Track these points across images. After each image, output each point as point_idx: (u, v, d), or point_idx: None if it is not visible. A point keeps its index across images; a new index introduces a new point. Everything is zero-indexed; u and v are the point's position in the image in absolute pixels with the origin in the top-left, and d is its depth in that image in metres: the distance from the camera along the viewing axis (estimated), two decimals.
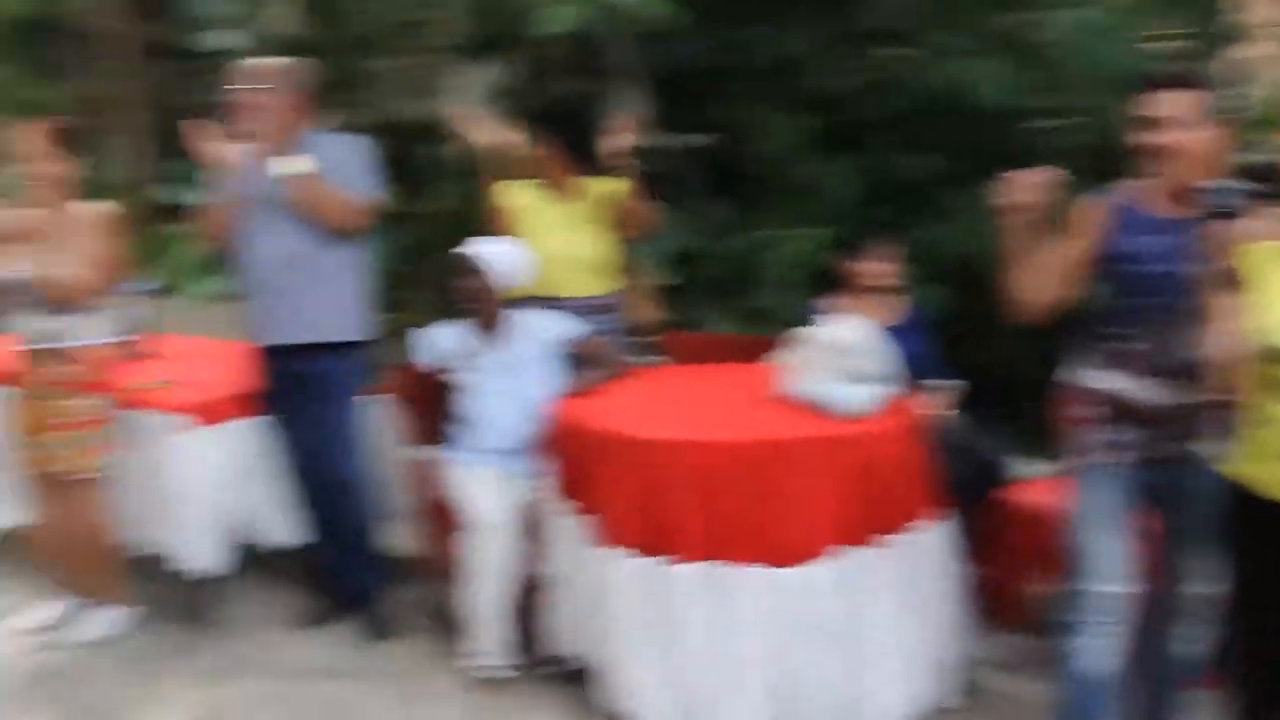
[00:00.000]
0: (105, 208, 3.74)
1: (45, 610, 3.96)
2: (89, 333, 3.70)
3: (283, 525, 4.01)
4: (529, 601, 3.44)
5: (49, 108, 9.15)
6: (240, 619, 3.98)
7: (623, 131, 3.89)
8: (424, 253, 6.15)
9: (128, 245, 3.84)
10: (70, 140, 3.73)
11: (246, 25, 8.25)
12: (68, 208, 3.70)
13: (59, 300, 3.62)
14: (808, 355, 3.33)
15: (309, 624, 3.93)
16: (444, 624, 3.74)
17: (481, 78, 6.95)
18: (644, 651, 3.04)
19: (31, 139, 3.66)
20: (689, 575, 2.96)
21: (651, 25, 5.27)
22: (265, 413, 3.89)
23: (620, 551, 3.03)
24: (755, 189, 6.08)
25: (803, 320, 3.65)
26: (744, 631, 2.97)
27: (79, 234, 3.65)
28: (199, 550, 3.80)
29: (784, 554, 2.94)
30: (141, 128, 8.17)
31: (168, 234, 7.86)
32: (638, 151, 3.92)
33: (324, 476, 3.76)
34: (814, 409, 3.21)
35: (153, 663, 3.70)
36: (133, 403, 3.86)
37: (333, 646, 3.80)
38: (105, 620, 3.89)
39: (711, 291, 5.78)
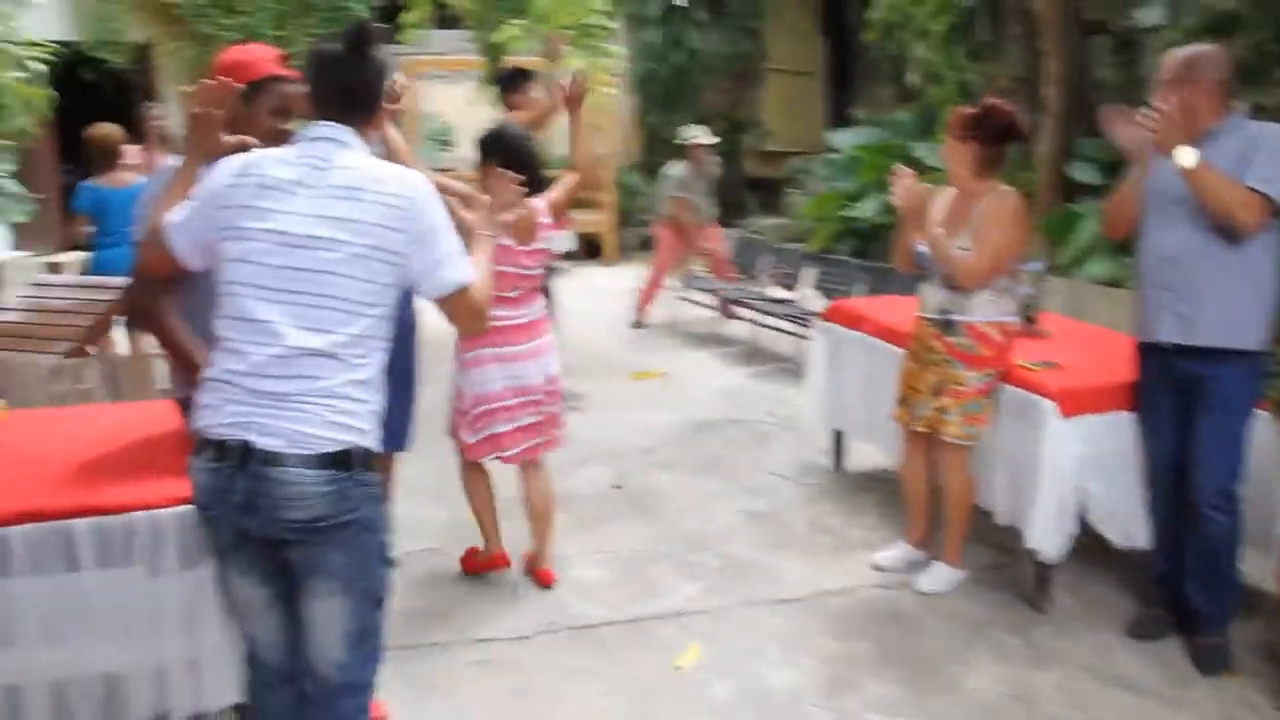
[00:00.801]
0: (1011, 195, 3.89)
1: (896, 552, 4.36)
2: (980, 310, 3.91)
3: (1133, 526, 3.91)
4: None
5: (981, 89, 9.74)
6: (1068, 609, 3.99)
7: None
8: None
9: (1028, 231, 3.94)
10: (994, 123, 3.89)
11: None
12: (979, 189, 3.93)
13: (955, 277, 3.90)
14: None
15: (1135, 633, 3.80)
16: None
17: None
18: None
19: (955, 121, 3.94)
20: None
21: None
22: (1137, 409, 3.81)
23: None
24: None
25: None
26: None
27: (985, 217, 3.86)
28: (1047, 533, 3.83)
29: None
30: (1063, 106, 8.31)
31: (1076, 212, 7.95)
32: None
33: (1198, 487, 3.54)
34: None
35: (978, 629, 3.88)
36: (1014, 380, 4.01)
37: (1153, 663, 3.64)
38: (941, 576, 4.16)
39: None
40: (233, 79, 2.74)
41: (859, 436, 5.19)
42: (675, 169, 9.32)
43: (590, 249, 12.99)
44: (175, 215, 2.40)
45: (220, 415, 2.23)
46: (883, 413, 4.43)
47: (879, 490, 5.05)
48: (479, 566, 4.26)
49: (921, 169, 8.63)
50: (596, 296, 9.92)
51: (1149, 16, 8.82)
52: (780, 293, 8.58)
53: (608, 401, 6.83)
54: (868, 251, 9.69)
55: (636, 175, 14.14)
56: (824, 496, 5.16)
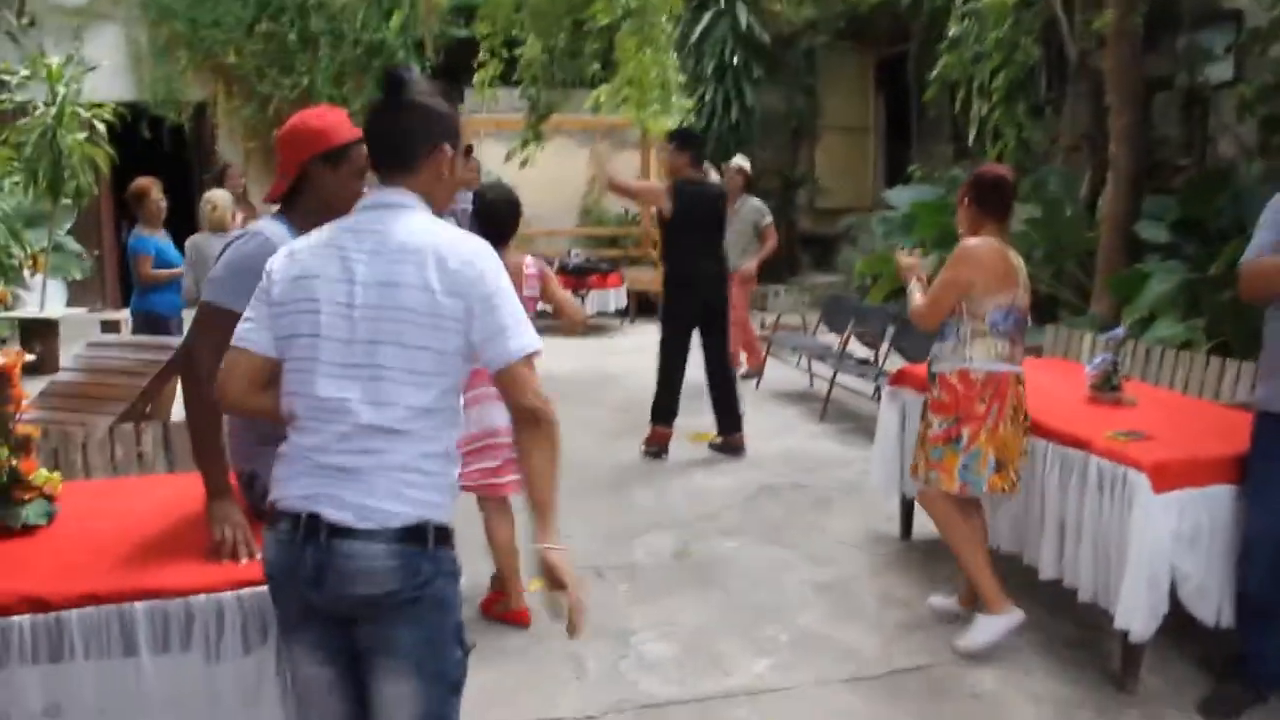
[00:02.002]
0: (970, 241, 3.97)
1: (948, 602, 4.42)
2: (947, 360, 4.01)
3: (1224, 604, 3.72)
4: None
5: (1042, 146, 9.60)
6: (1155, 690, 3.79)
7: None
8: None
9: (982, 274, 3.88)
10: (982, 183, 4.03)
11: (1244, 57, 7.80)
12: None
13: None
14: None
15: (1209, 711, 3.63)
16: None
17: None
18: None
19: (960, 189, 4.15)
20: None
21: None
22: (1247, 482, 3.63)
23: None
24: None
25: None
26: None
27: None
28: (1137, 612, 3.62)
29: None
30: (1131, 164, 8.14)
31: (1143, 271, 7.75)
32: None
33: None
34: None
35: (1064, 711, 3.68)
36: (1101, 451, 3.82)
37: None
38: (979, 630, 4.02)
39: None
40: (318, 145, 2.67)
41: None
42: None
43: (642, 306, 12.90)
44: (241, 326, 2.27)
45: (292, 487, 2.16)
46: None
47: (950, 561, 4.84)
48: (496, 615, 4.36)
49: None
50: (647, 354, 9.81)
51: (1218, 73, 8.67)
52: (863, 351, 8.57)
53: (666, 465, 6.68)
54: None
55: None
56: (893, 566, 4.98)
